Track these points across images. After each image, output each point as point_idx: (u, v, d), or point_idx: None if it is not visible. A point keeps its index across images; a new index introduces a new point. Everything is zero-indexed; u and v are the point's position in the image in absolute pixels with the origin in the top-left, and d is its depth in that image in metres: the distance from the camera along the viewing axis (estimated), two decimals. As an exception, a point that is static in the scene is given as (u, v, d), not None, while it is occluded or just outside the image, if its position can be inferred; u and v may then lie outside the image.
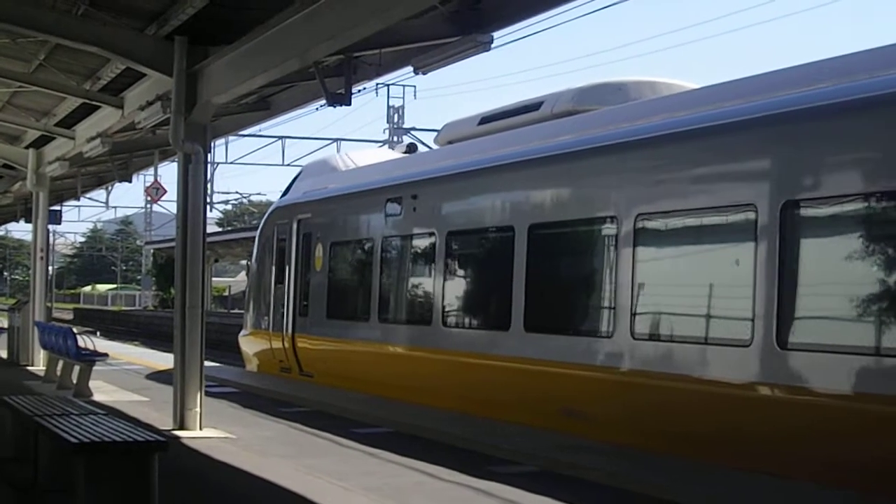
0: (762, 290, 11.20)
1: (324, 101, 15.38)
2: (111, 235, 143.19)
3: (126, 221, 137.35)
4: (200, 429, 14.02)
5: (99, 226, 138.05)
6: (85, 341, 19.83)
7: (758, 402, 11.31)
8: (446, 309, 16.72)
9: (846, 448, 10.38)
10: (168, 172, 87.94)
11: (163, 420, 14.49)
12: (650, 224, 12.95)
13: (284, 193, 23.97)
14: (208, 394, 14.99)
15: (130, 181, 28.77)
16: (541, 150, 15.29)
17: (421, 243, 17.78)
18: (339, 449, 12.86)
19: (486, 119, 18.21)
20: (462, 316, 16.71)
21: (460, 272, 16.99)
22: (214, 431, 13.99)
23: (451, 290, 16.83)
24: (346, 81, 14.84)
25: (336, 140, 49.24)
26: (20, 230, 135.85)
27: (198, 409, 14.10)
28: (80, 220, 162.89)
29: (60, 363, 20.09)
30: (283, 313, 21.59)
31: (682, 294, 12.85)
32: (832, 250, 11.01)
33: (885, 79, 10.72)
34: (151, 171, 30.15)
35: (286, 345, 21.38)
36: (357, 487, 10.28)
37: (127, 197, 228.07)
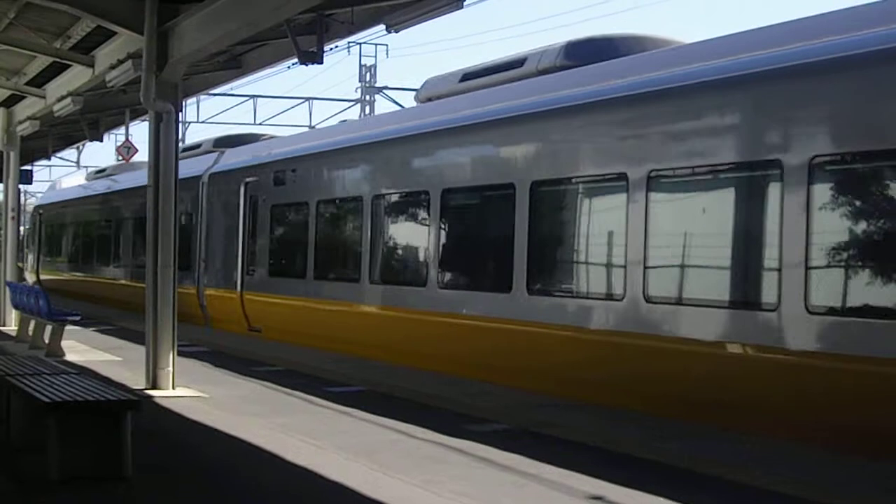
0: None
1: (296, 60, 15.35)
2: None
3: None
4: (173, 388, 14.03)
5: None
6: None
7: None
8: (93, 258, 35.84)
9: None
10: (139, 132, 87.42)
11: (135, 379, 14.48)
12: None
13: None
14: (181, 353, 14.97)
15: (101, 140, 28.67)
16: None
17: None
18: (312, 408, 12.90)
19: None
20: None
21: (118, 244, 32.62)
22: (187, 391, 14.00)
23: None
24: (318, 39, 14.79)
25: (308, 99, 48.54)
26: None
27: (170, 369, 14.10)
28: (51, 179, 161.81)
29: (32, 323, 20.04)
30: (35, 259, 42.95)
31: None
32: None
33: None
34: (122, 130, 30.00)
35: (34, 277, 41.42)
36: (330, 446, 10.31)
37: (98, 156, 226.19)
